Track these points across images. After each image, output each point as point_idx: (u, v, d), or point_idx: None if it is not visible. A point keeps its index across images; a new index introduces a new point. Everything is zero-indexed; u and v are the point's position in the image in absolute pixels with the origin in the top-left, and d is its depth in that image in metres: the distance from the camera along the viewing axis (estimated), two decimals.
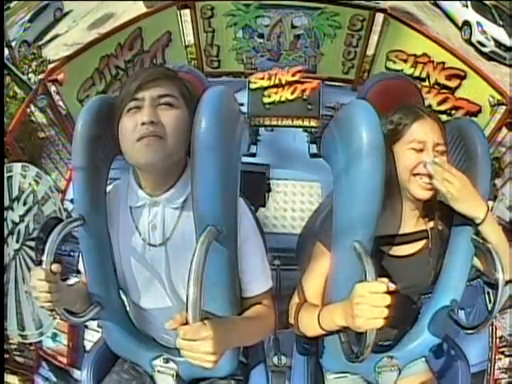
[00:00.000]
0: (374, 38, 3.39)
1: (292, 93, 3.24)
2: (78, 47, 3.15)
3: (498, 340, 2.31)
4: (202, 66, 3.43)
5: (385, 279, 0.82)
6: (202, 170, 0.86)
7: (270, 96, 3.25)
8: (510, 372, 2.40)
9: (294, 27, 3.40)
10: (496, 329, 2.28)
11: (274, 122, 3.27)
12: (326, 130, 1.11)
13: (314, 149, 3.09)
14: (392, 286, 0.82)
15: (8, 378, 2.33)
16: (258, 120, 3.23)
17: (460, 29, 8.34)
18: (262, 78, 3.24)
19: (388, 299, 0.80)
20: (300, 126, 3.27)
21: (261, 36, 3.43)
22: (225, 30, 3.35)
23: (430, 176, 0.97)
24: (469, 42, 8.10)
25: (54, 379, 2.35)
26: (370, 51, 3.46)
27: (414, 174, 0.99)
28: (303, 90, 3.23)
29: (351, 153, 0.92)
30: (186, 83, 0.98)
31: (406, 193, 1.03)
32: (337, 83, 3.59)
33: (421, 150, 0.99)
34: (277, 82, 3.24)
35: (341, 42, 3.37)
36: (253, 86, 3.23)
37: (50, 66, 4.60)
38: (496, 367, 2.33)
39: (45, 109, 2.91)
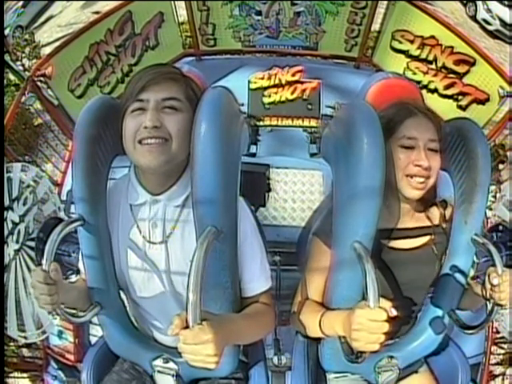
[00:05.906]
0: (379, 17, 3.28)
1: (292, 93, 3.23)
2: (70, 28, 3.02)
3: (493, 333, 2.30)
4: (197, 44, 3.35)
5: (387, 303, 0.82)
6: (202, 170, 0.86)
7: (270, 96, 3.24)
8: (505, 364, 2.39)
9: (293, 4, 3.29)
10: (492, 322, 2.27)
11: (274, 122, 3.26)
12: (326, 129, 1.11)
13: (313, 149, 3.08)
14: (393, 313, 0.81)
15: (19, 378, 2.31)
16: (258, 120, 3.22)
17: (464, 5, 8.10)
18: (262, 78, 3.24)
19: (386, 327, 0.80)
20: (300, 126, 3.26)
21: (258, 13, 3.32)
22: (220, 8, 3.24)
23: (421, 176, 0.97)
24: (473, 18, 7.89)
25: (64, 377, 2.33)
26: (375, 29, 3.36)
27: (407, 175, 0.99)
28: (303, 90, 3.22)
29: (351, 153, 0.92)
30: (191, 84, 0.98)
31: (398, 192, 1.03)
32: (339, 61, 3.50)
33: (411, 148, 0.98)
34: (277, 81, 3.23)
35: (344, 19, 3.25)
36: (253, 85, 3.23)
37: (42, 51, 4.52)
38: (491, 359, 2.32)
39: (35, 104, 2.91)
